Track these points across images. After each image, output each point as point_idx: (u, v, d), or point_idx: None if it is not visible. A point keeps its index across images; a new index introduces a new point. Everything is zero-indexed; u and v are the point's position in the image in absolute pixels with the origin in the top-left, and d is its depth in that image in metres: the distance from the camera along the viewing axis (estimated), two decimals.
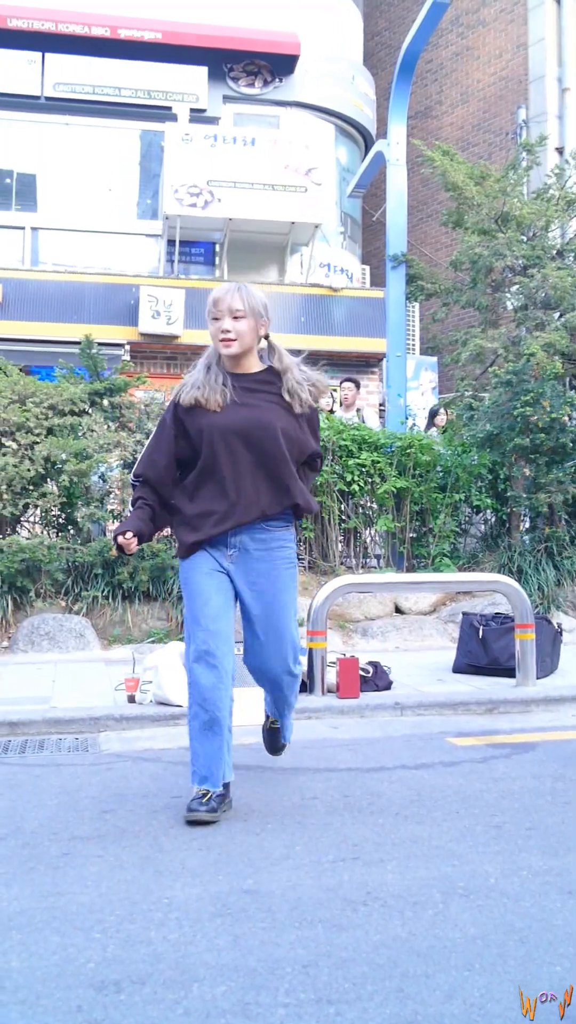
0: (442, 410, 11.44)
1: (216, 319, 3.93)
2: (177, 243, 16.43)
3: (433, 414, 11.36)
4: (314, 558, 9.32)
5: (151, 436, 4.01)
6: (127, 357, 14.94)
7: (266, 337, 4.00)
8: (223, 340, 3.92)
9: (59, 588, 8.20)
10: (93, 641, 7.73)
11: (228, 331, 3.90)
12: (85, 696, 6.05)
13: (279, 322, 15.17)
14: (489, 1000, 2.38)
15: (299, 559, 9.13)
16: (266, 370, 3.99)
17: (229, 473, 3.83)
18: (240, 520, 3.85)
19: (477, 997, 2.40)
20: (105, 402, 8.90)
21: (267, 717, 4.42)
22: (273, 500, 3.88)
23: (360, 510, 9.62)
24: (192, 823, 3.79)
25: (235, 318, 3.90)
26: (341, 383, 11.14)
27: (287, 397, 3.92)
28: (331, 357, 15.95)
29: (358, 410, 11.00)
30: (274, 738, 4.44)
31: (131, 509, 3.96)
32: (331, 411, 10.49)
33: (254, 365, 3.99)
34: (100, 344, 9.66)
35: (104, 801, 4.17)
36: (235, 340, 3.90)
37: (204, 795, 3.83)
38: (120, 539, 3.85)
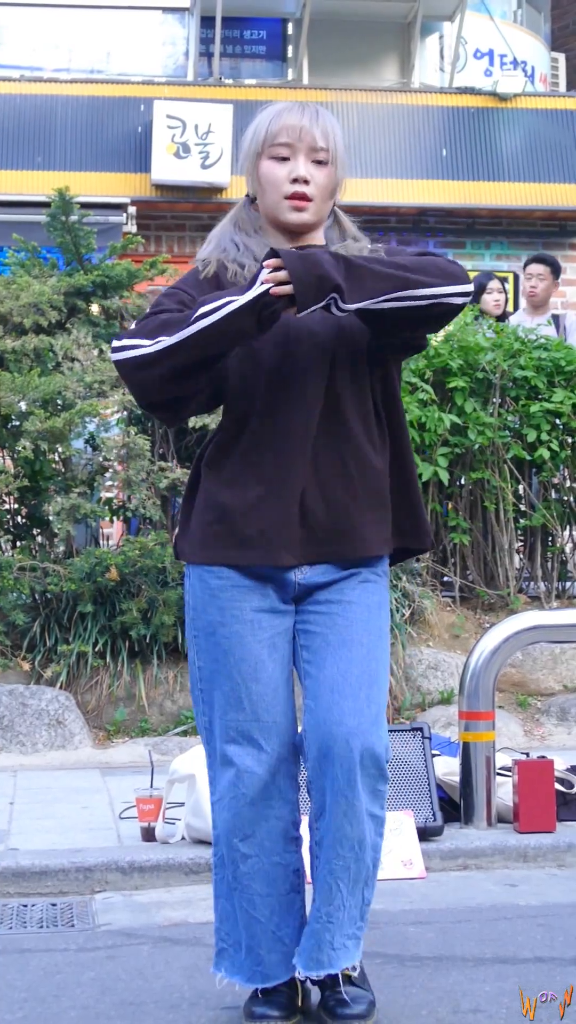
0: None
1: (280, 158, 3.05)
2: (218, 22, 12.60)
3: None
4: (471, 581, 7.84)
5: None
6: (132, 227, 11.90)
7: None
8: (294, 198, 3.03)
9: (19, 639, 7.26)
10: (79, 732, 6.96)
11: (305, 181, 3.01)
12: (67, 830, 5.39)
13: (400, 160, 12.68)
14: None
15: (444, 580, 7.83)
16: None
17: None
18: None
19: None
20: (95, 307, 7.91)
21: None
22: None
23: (555, 495, 8.16)
24: None
25: (316, 162, 3.03)
26: (525, 266, 9.16)
27: None
28: (498, 219, 13.01)
29: (554, 315, 9.10)
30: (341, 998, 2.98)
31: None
32: (502, 316, 8.86)
33: (318, 243, 3.12)
34: (85, 205, 8.12)
35: (105, 1017, 3.48)
36: (312, 201, 3.02)
37: (268, 993, 3.02)
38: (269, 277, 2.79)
